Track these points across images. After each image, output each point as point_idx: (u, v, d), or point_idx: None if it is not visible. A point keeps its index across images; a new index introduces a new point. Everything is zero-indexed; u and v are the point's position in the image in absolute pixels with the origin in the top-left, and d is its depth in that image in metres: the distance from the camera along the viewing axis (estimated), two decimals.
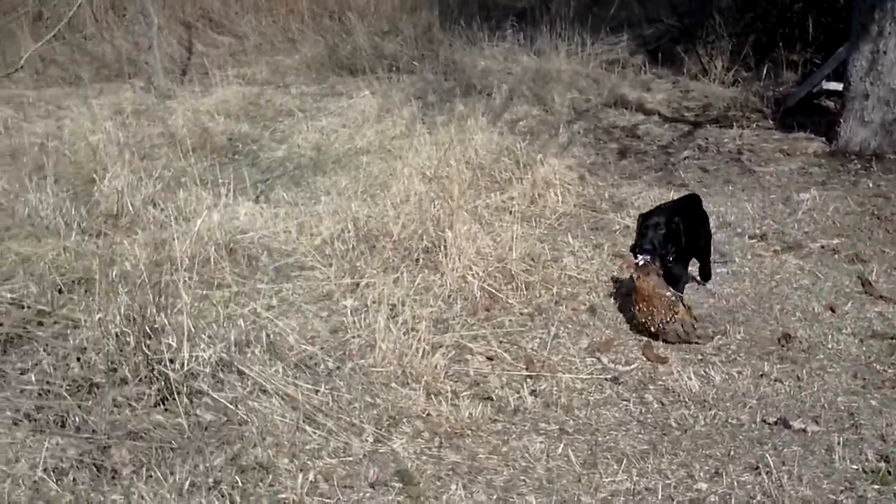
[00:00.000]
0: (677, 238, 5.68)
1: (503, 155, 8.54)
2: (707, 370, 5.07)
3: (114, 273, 5.25)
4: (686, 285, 5.92)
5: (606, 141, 9.80)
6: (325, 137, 9.59)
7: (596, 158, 9.19)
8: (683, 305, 5.47)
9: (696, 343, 5.39)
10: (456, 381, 4.96)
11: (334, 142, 9.45)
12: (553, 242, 6.79)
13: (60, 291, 5.33)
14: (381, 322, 5.17)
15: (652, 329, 5.42)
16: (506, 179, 8.04)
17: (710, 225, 6.36)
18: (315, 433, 4.32)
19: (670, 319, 5.36)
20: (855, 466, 4.21)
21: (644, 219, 5.73)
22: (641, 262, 5.49)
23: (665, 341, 5.41)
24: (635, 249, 5.62)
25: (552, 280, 6.11)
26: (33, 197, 6.79)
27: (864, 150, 9.02)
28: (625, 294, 5.89)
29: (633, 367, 5.16)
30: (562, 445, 4.40)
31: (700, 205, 6.23)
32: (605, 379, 5.04)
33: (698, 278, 6.21)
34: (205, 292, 5.44)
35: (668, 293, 5.41)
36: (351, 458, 4.21)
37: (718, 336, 5.46)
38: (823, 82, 10.36)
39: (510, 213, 7.27)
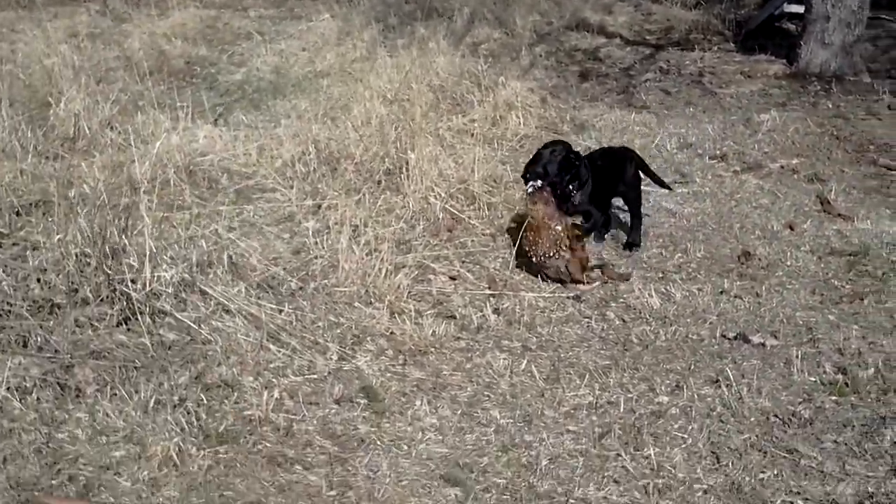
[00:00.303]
0: (576, 171, 5.52)
1: (465, 78, 8.49)
2: (668, 287, 5.12)
3: (72, 195, 5.17)
4: (604, 232, 5.82)
5: (568, 64, 9.77)
6: (285, 61, 9.49)
7: (558, 81, 9.16)
8: (577, 243, 5.22)
9: (576, 286, 5.18)
10: (419, 301, 4.97)
11: (294, 65, 9.35)
12: (515, 164, 6.77)
13: (18, 214, 5.25)
14: (344, 243, 5.15)
15: (533, 259, 5.20)
16: (467, 102, 8.01)
17: (640, 176, 5.95)
18: (279, 352, 4.32)
19: (553, 254, 5.13)
20: (813, 379, 4.28)
21: (542, 147, 5.60)
22: (531, 189, 5.25)
23: (544, 277, 5.24)
24: (525, 174, 5.43)
25: (514, 201, 6.10)
26: None
27: (825, 72, 9.06)
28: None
29: (594, 285, 5.18)
30: (525, 362, 4.43)
31: (628, 158, 5.92)
32: (567, 297, 5.07)
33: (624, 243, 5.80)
34: (165, 214, 5.39)
35: (557, 226, 5.16)
36: (315, 376, 4.21)
37: (678, 255, 5.51)
38: (784, 5, 10.38)
39: (472, 135, 7.24)
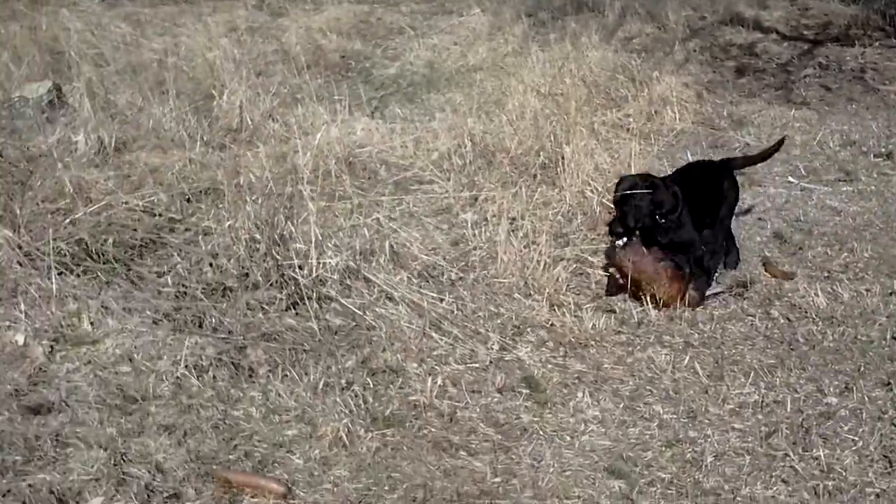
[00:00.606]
0: (659, 204, 4.89)
1: (618, 72, 8.45)
2: (834, 287, 4.99)
3: (240, 183, 5.34)
4: (723, 260, 5.26)
5: (723, 59, 9.60)
6: (437, 55, 9.57)
7: (713, 76, 9.02)
8: (685, 276, 4.88)
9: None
10: (578, 294, 4.96)
11: (446, 59, 9.43)
12: (671, 159, 6.71)
13: (188, 200, 5.44)
14: (502, 235, 5.19)
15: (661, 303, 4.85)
16: (621, 97, 7.96)
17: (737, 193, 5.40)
18: (441, 340, 4.38)
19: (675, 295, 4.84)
20: None
21: (622, 187, 4.95)
22: (621, 244, 4.87)
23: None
24: (612, 230, 4.94)
25: None
26: (157, 110, 6.91)
27: None
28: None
29: (757, 283, 5.09)
30: (687, 358, 4.39)
31: (716, 172, 5.32)
32: (730, 294, 4.99)
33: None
34: (327, 203, 5.51)
35: (662, 270, 4.83)
36: (477, 365, 4.26)
37: (845, 254, 5.37)
38: None
39: (627, 130, 7.21)
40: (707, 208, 5.14)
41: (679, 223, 4.98)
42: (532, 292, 4.85)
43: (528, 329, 4.56)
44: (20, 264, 4.35)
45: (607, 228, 5.07)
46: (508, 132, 6.83)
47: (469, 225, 5.47)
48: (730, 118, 7.77)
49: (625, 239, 4.86)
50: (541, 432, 3.83)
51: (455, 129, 6.94)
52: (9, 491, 3.17)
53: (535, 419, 3.92)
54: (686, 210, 4.98)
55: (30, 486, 3.21)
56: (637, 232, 4.92)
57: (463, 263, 5.09)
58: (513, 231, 5.30)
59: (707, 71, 9.16)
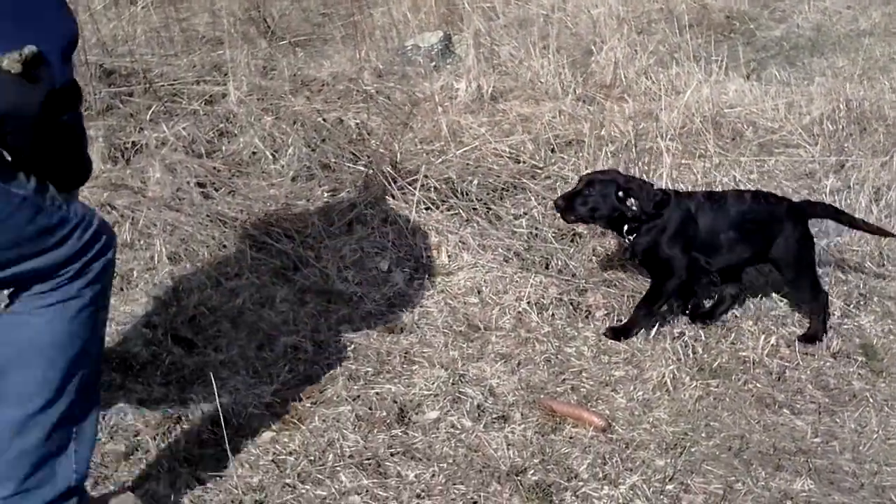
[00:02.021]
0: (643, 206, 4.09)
1: None
2: None
3: (601, 135, 5.56)
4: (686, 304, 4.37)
5: None
6: (827, 18, 9.29)
7: None
8: None
9: None
10: None
11: (836, 22, 9.13)
12: None
13: (553, 150, 5.71)
14: (863, 203, 5.08)
15: None
16: None
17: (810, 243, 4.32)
18: (780, 302, 4.40)
19: None
20: None
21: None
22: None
23: None
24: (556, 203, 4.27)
25: None
26: (536, 63, 7.23)
27: None
28: None
29: None
30: None
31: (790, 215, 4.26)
32: None
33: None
34: (685, 161, 5.60)
35: None
36: None
37: None
38: None
39: None
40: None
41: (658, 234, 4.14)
42: (886, 263, 4.73)
43: (875, 299, 4.47)
44: (393, 197, 4.81)
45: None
46: (889, 100, 6.59)
47: (828, 192, 5.38)
48: None
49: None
50: (870, 400, 3.80)
51: (832, 94, 6.77)
52: (358, 396, 3.60)
53: (867, 387, 3.89)
54: (679, 229, 4.13)
55: (377, 394, 3.61)
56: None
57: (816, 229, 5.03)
58: (875, 200, 5.16)
59: None
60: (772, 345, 4.10)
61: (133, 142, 5.12)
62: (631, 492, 3.22)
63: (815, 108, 6.55)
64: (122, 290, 4.16)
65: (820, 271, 4.47)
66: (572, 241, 4.77)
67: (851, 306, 4.40)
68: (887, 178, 5.44)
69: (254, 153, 5.19)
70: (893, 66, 7.27)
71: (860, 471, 3.39)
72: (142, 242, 4.44)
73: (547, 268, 4.56)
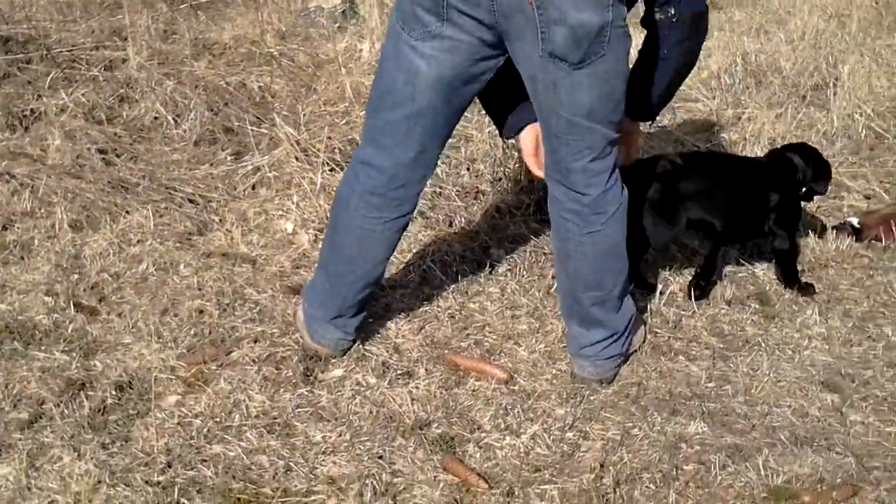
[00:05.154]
0: None
1: None
2: None
3: None
4: None
5: None
6: None
7: None
8: None
9: None
10: (827, 216, 4.95)
11: None
12: None
13: None
14: (759, 154, 5.21)
15: None
16: None
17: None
18: (678, 254, 4.52)
19: None
20: None
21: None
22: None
23: None
24: None
25: None
26: None
27: None
28: None
29: None
30: None
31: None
32: None
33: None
34: None
35: None
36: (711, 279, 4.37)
37: None
38: None
39: None
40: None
41: None
42: None
43: (768, 247, 4.60)
44: (297, 159, 4.82)
45: None
46: (784, 52, 6.75)
47: (726, 144, 5.52)
48: None
49: None
50: (763, 345, 3.92)
51: (729, 48, 6.92)
52: (266, 357, 3.64)
53: (760, 332, 4.01)
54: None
55: (283, 355, 3.66)
56: None
57: None
58: None
59: None
60: (670, 293, 4.22)
61: (32, 109, 5.07)
62: (532, 441, 3.31)
63: (714, 62, 6.69)
64: (22, 259, 4.15)
65: None
66: (475, 198, 4.83)
67: (746, 255, 4.52)
68: (782, 129, 5.60)
69: (155, 118, 5.17)
70: (790, 19, 7.43)
71: (752, 412, 3.51)
72: (42, 211, 4.42)
73: (451, 225, 4.63)
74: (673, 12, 3.31)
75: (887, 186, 5.21)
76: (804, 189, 4.33)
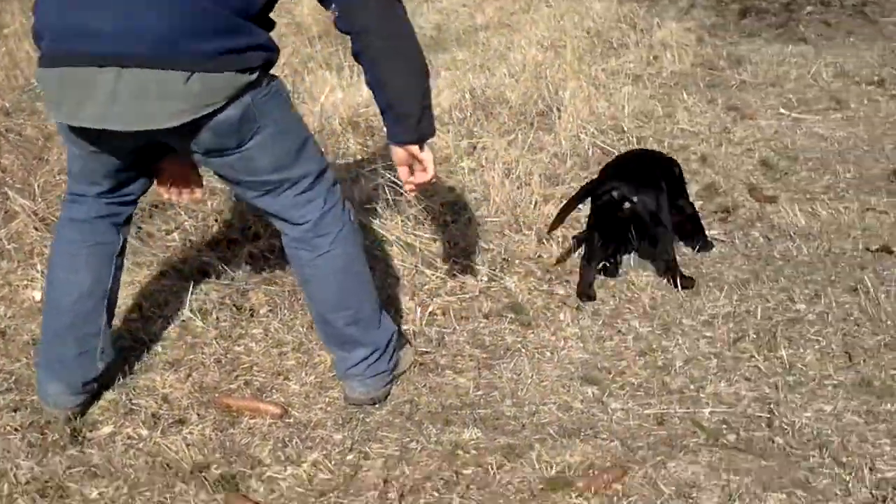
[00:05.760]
0: None
1: (621, 22, 8.64)
2: (814, 207, 5.19)
3: None
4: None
5: (729, 2, 9.73)
6: (445, 17, 9.78)
7: (716, 20, 9.16)
8: None
9: None
10: (568, 228, 5.20)
11: (454, 20, 9.64)
12: (667, 100, 6.90)
13: None
14: (496, 178, 5.44)
15: None
16: (623, 45, 8.14)
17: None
18: (434, 276, 4.65)
19: None
20: None
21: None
22: None
23: None
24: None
25: (664, 133, 6.26)
26: None
27: None
28: None
29: (741, 208, 5.30)
30: (667, 278, 4.62)
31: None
32: (714, 220, 5.20)
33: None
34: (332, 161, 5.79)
35: None
36: (467, 295, 4.52)
37: (827, 177, 5.57)
38: None
39: (626, 75, 7.39)
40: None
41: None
42: (522, 228, 5.09)
43: (517, 261, 4.80)
44: (36, 229, 4.70)
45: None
46: (509, 84, 7.07)
47: (466, 172, 5.73)
48: (729, 58, 7.91)
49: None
50: (523, 350, 4.09)
51: (456, 85, 7.19)
52: (31, 423, 3.51)
53: (518, 339, 4.18)
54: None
55: (46, 421, 3.54)
56: None
57: (458, 206, 5.34)
58: (507, 174, 5.54)
59: (710, 15, 9.29)
60: (430, 313, 4.33)
61: None
62: (313, 468, 3.33)
63: (444, 100, 6.93)
64: None
65: (463, 243, 4.81)
66: (228, 248, 4.82)
67: (496, 270, 4.70)
68: (515, 154, 5.86)
69: None
70: (509, 54, 7.79)
71: (520, 413, 3.66)
72: None
73: (206, 276, 4.59)
74: (334, 6, 3.07)
75: None
76: None
